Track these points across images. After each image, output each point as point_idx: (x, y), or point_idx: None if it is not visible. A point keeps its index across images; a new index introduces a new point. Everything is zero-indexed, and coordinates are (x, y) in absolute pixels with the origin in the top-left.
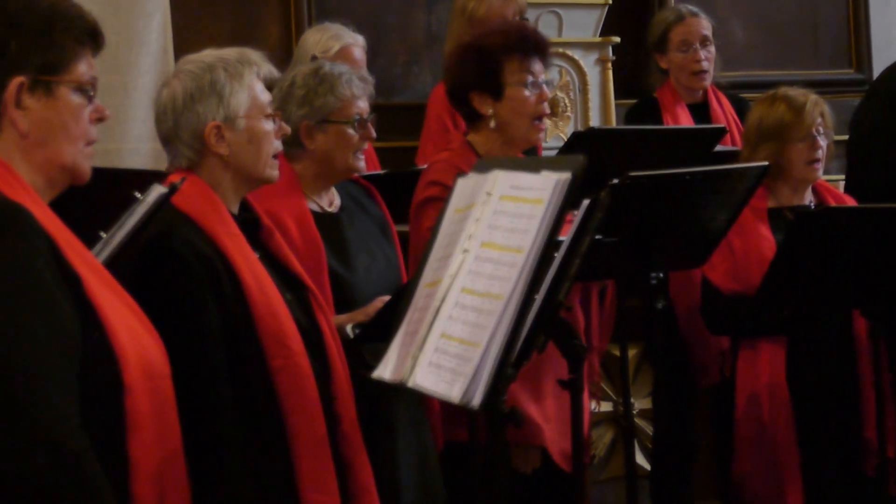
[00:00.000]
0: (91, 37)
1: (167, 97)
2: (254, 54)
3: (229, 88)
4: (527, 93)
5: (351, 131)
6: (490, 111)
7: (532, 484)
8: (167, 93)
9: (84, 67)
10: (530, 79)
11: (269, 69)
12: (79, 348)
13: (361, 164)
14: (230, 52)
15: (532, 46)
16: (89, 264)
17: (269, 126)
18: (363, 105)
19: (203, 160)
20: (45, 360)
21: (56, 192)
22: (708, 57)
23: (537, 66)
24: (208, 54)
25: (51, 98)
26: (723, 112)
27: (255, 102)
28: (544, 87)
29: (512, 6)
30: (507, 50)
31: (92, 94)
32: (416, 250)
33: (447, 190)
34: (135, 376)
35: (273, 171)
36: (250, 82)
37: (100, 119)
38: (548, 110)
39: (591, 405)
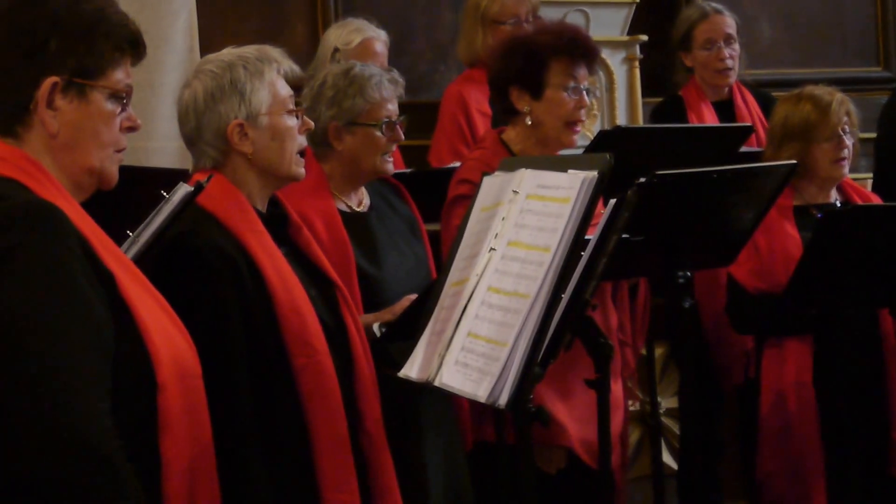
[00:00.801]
0: (132, 45)
1: (188, 98)
2: (273, 51)
3: (250, 86)
4: (566, 97)
5: (378, 134)
6: (526, 108)
7: (560, 484)
8: (188, 93)
9: (120, 75)
10: (572, 83)
11: (289, 65)
12: (111, 348)
13: (389, 166)
14: (250, 50)
15: (581, 52)
16: (122, 263)
17: (292, 122)
18: (392, 108)
19: (227, 159)
20: (78, 360)
21: (83, 196)
22: (732, 55)
23: (582, 71)
24: (228, 53)
25: (83, 101)
26: (748, 110)
27: (276, 99)
28: (585, 94)
29: (525, 5)
30: (556, 51)
31: (126, 101)
32: (448, 248)
33: (476, 188)
34: (168, 375)
35: (299, 168)
36: (271, 79)
37: (131, 128)
38: (584, 118)
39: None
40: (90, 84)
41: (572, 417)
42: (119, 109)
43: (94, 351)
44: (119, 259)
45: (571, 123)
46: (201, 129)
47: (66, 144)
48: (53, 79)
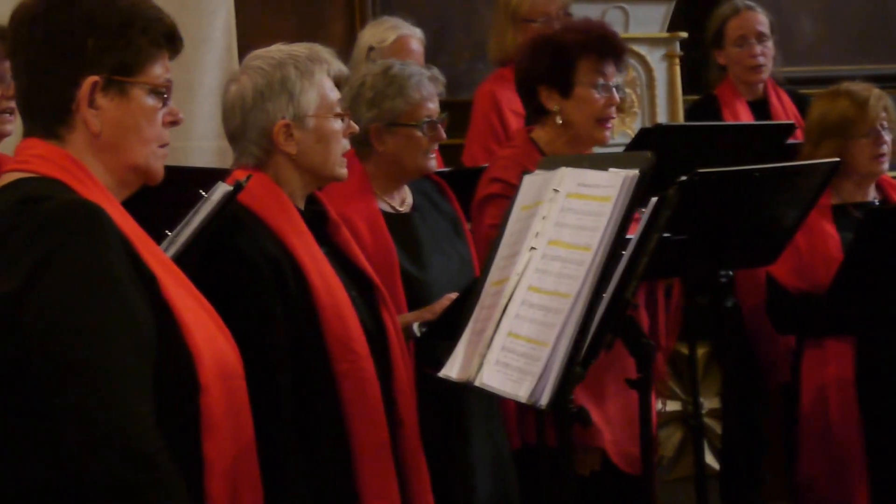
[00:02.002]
0: (168, 39)
1: (235, 94)
2: (324, 51)
3: (300, 86)
4: (596, 94)
5: (420, 134)
6: (556, 107)
7: (592, 486)
8: (235, 89)
9: (159, 70)
10: (601, 81)
11: (339, 67)
12: (154, 348)
13: (432, 164)
14: (301, 49)
15: (609, 49)
16: (164, 264)
17: (337, 125)
18: (433, 107)
19: (270, 158)
20: (121, 360)
21: (128, 192)
22: (764, 52)
23: (611, 68)
24: (278, 50)
25: (124, 99)
26: (783, 108)
27: (324, 101)
28: (615, 90)
29: (555, 3)
30: (584, 49)
31: (166, 96)
32: (478, 247)
33: (509, 187)
34: (210, 376)
35: (342, 170)
36: (320, 80)
37: (174, 122)
38: (615, 114)
39: (658, 405)
40: (130, 81)
41: (604, 420)
42: (160, 105)
43: (137, 352)
44: (160, 260)
45: (602, 121)
46: (247, 126)
47: (110, 143)
48: (93, 78)
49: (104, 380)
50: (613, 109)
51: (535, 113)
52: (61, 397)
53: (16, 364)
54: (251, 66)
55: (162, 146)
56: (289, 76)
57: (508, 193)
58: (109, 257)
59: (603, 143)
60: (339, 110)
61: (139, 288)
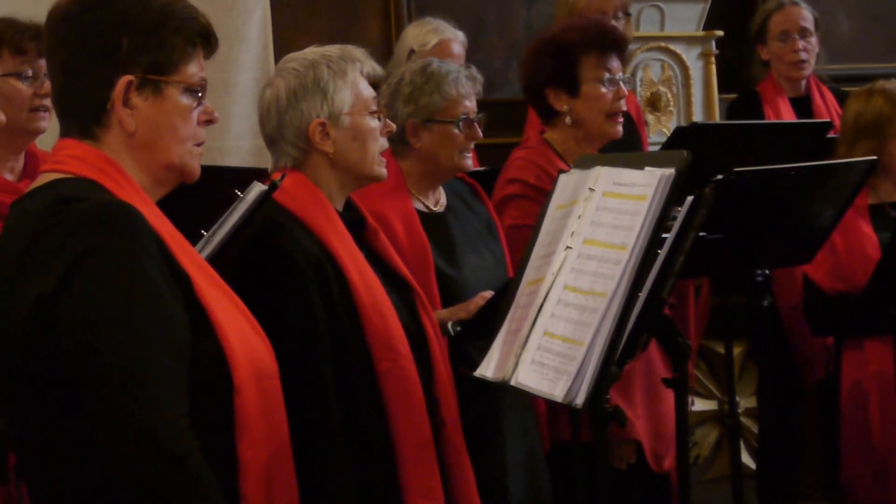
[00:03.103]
0: (203, 38)
1: (270, 96)
2: (357, 51)
3: (333, 85)
4: (604, 90)
5: (456, 131)
6: (565, 107)
7: (624, 483)
8: (270, 92)
9: (194, 69)
10: (607, 75)
11: (372, 66)
12: (188, 349)
13: (468, 162)
14: (333, 50)
15: (610, 43)
16: (198, 264)
17: (374, 123)
18: (470, 104)
19: (308, 159)
20: (155, 361)
21: (165, 190)
22: (807, 48)
23: (615, 62)
24: (311, 52)
25: (159, 98)
26: (825, 106)
27: (359, 99)
28: (622, 84)
29: (613, 1)
30: (585, 46)
31: (201, 95)
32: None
33: (526, 187)
34: (244, 377)
35: (381, 169)
36: (354, 79)
37: (209, 121)
38: (624, 107)
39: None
40: (164, 80)
41: (633, 416)
42: (195, 103)
43: (172, 353)
44: (195, 260)
45: (613, 115)
46: (283, 127)
47: (145, 142)
48: (128, 77)
49: (139, 381)
50: (622, 102)
51: (545, 115)
52: (96, 398)
53: (51, 364)
54: (285, 68)
55: (198, 144)
56: (322, 76)
57: (527, 193)
58: (143, 258)
59: (615, 138)
60: (374, 108)
61: (173, 288)
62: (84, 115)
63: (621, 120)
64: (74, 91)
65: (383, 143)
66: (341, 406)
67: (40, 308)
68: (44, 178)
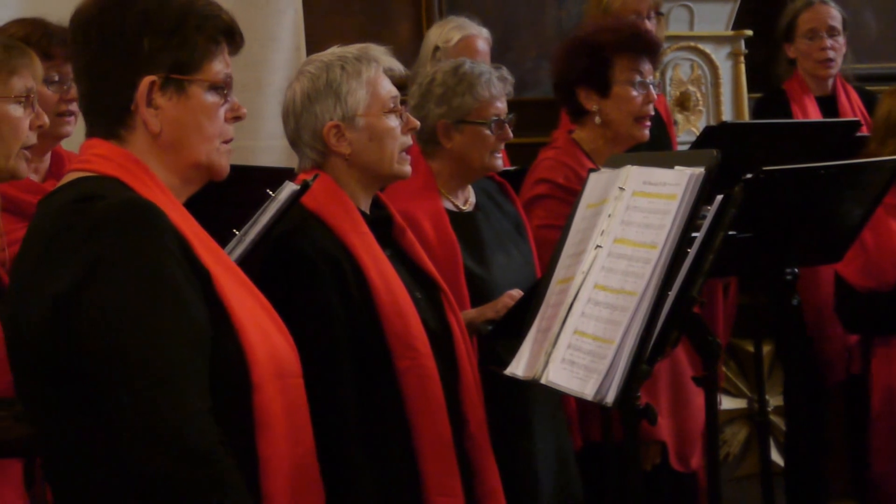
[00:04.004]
0: (227, 35)
1: (289, 99)
2: (376, 49)
3: (346, 87)
4: (634, 92)
5: (487, 132)
6: (595, 107)
7: (651, 482)
8: (289, 95)
9: (219, 66)
10: (638, 78)
11: (391, 63)
12: (208, 345)
13: (498, 162)
14: (351, 50)
15: (644, 46)
16: (220, 261)
17: (393, 122)
18: (501, 106)
19: (327, 160)
20: (176, 357)
21: (193, 189)
22: (835, 46)
23: (647, 66)
24: (329, 53)
25: (182, 97)
26: (850, 105)
27: (375, 99)
28: (651, 87)
29: (647, 1)
30: (619, 48)
31: (227, 92)
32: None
33: (555, 187)
34: (264, 375)
35: (403, 167)
36: (370, 78)
37: (237, 118)
38: (652, 112)
39: None
40: (187, 78)
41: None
42: (221, 101)
43: (192, 349)
44: (218, 257)
45: (641, 119)
46: (300, 130)
47: (171, 142)
48: (150, 78)
49: (161, 378)
50: (651, 107)
51: (574, 114)
52: (117, 396)
53: (73, 361)
54: (303, 71)
55: (226, 142)
56: (335, 78)
57: (555, 193)
58: (163, 255)
59: (642, 141)
60: (392, 106)
61: (193, 285)
62: (109, 116)
63: (649, 124)
64: (98, 93)
65: (405, 140)
66: (361, 405)
67: (60, 306)
68: (69, 177)
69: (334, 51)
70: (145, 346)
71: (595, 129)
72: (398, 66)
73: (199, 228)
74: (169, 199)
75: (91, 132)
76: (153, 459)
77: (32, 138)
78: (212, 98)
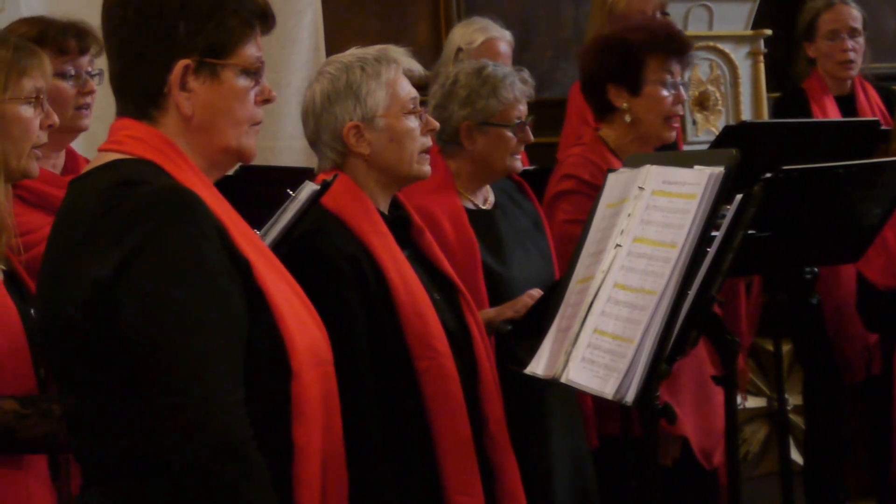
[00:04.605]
0: (260, 18)
1: (308, 100)
2: (395, 51)
3: (366, 88)
4: (665, 92)
5: (510, 134)
6: (625, 105)
7: (671, 478)
8: (308, 95)
9: (251, 49)
10: (669, 79)
11: (410, 64)
12: (245, 335)
13: (518, 164)
14: (371, 51)
15: (676, 47)
16: (258, 248)
17: (412, 123)
18: (523, 108)
19: (347, 161)
20: (212, 348)
21: (222, 172)
22: (855, 47)
23: (677, 67)
24: (349, 54)
25: (215, 81)
26: (869, 104)
27: (395, 100)
28: (681, 88)
29: (652, 2)
30: (652, 47)
31: (259, 76)
32: (552, 244)
33: (581, 183)
34: (302, 362)
35: (422, 167)
36: (389, 79)
37: (266, 100)
38: (682, 112)
39: (738, 401)
40: (221, 63)
41: (681, 413)
42: (252, 84)
43: (229, 339)
44: (255, 244)
45: (670, 119)
46: (319, 131)
47: (202, 125)
48: (185, 61)
49: (195, 368)
50: (680, 107)
51: (602, 111)
52: (152, 384)
53: (111, 345)
54: (322, 72)
55: (254, 125)
56: (354, 79)
57: (581, 189)
58: (203, 244)
59: (669, 142)
60: (412, 107)
61: (232, 274)
62: (141, 97)
63: (677, 125)
64: (131, 74)
65: (425, 141)
66: (380, 404)
67: (99, 291)
68: (103, 158)
69: (354, 52)
70: (182, 336)
71: (622, 127)
72: (417, 68)
73: (236, 214)
74: (204, 183)
75: (122, 111)
76: (184, 448)
77: (43, 138)
78: (244, 82)
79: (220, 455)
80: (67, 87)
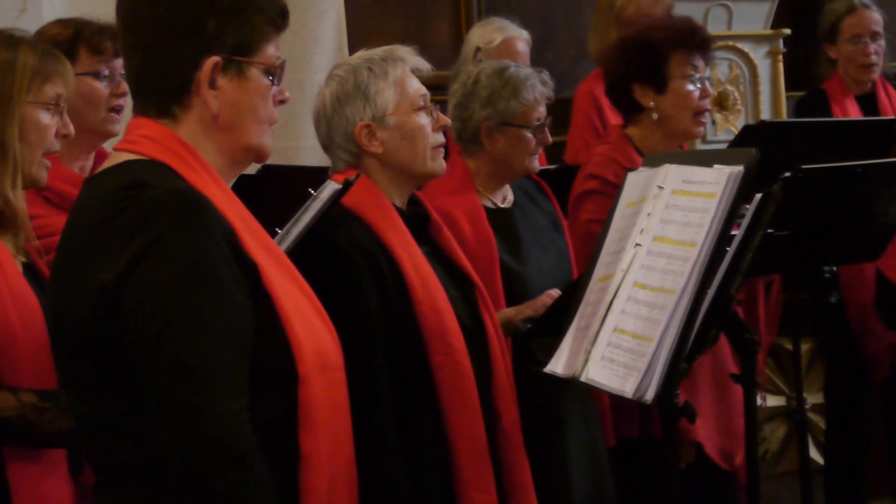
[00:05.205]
0: (282, 17)
1: (319, 104)
2: (402, 50)
3: (374, 87)
4: (690, 87)
5: (529, 135)
6: (651, 103)
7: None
8: (319, 100)
9: (272, 49)
10: (694, 73)
11: (416, 62)
12: (250, 340)
13: (536, 165)
14: (377, 52)
15: (698, 42)
16: (270, 251)
17: (423, 120)
18: (542, 110)
19: (360, 161)
20: (215, 354)
21: (239, 170)
22: (877, 50)
23: (700, 61)
24: (356, 56)
25: (242, 79)
26: (890, 103)
27: (404, 98)
28: (706, 83)
29: (661, 5)
30: (674, 44)
31: (280, 76)
32: (576, 242)
33: (605, 183)
34: (309, 368)
35: (436, 164)
36: (396, 78)
37: (282, 101)
38: (709, 106)
39: (758, 399)
40: (247, 61)
41: (699, 415)
42: (272, 84)
43: (233, 345)
44: (267, 247)
45: (698, 113)
46: (332, 133)
47: (227, 123)
48: (215, 59)
49: (198, 375)
50: (708, 102)
51: (628, 111)
52: (155, 389)
53: (115, 350)
54: (331, 75)
55: (271, 124)
56: (362, 79)
57: (605, 189)
58: (210, 249)
59: (698, 136)
60: (423, 105)
61: (239, 279)
62: (165, 94)
63: (705, 120)
64: (156, 70)
65: (437, 137)
66: (395, 399)
67: (104, 296)
68: (116, 158)
69: (361, 54)
70: (184, 342)
71: (649, 125)
72: (425, 65)
73: (248, 215)
74: (218, 183)
75: (141, 110)
76: (184, 456)
77: (56, 146)
78: (266, 81)
79: (221, 463)
80: (101, 87)
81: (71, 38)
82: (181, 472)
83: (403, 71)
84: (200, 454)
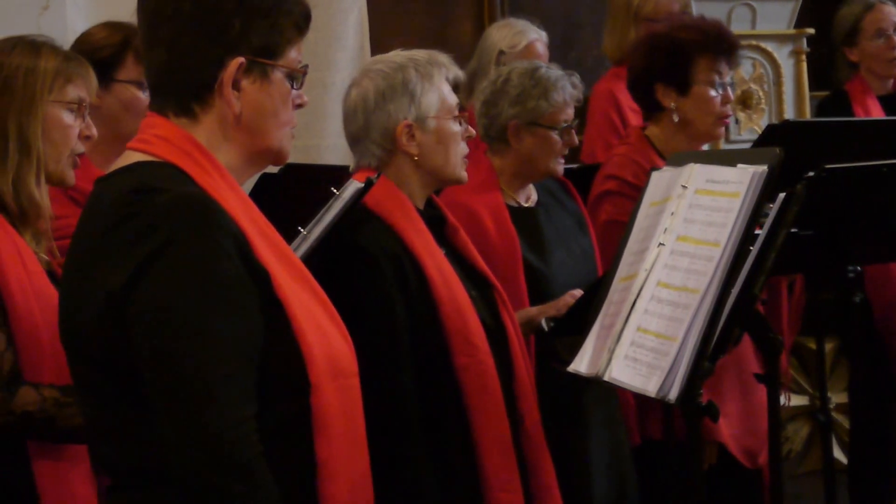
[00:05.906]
0: (306, 21)
1: (357, 97)
2: (442, 57)
3: (420, 88)
4: (713, 93)
5: (556, 137)
6: (672, 105)
7: (709, 480)
8: (357, 92)
9: (295, 53)
10: (718, 79)
11: (456, 72)
12: (259, 348)
13: (560, 168)
14: (420, 54)
15: (726, 47)
16: (282, 256)
17: (457, 128)
18: (571, 112)
19: (392, 159)
20: (222, 363)
21: (255, 171)
22: None
23: (725, 67)
24: (397, 55)
25: (265, 82)
26: None
27: (444, 104)
28: (729, 88)
29: (678, 2)
30: (702, 47)
31: (301, 81)
32: (596, 243)
33: (624, 184)
34: (321, 375)
35: (462, 173)
36: (440, 83)
37: (299, 105)
38: (730, 112)
39: (782, 399)
40: (271, 64)
41: (722, 413)
42: (292, 88)
43: (240, 353)
44: (279, 252)
45: (721, 118)
46: (369, 127)
47: (248, 125)
48: (240, 59)
49: (203, 384)
50: (729, 108)
51: (650, 110)
52: (161, 397)
53: (122, 357)
54: (373, 69)
55: (291, 128)
56: (410, 78)
57: (624, 190)
58: (218, 257)
59: (719, 138)
60: (457, 113)
61: (248, 287)
62: (186, 92)
63: (728, 122)
64: (179, 68)
65: (464, 147)
66: (420, 400)
67: (111, 303)
68: (128, 158)
69: (401, 53)
70: (191, 350)
71: (669, 126)
72: (462, 75)
73: (261, 218)
74: (232, 187)
75: (158, 107)
76: (191, 464)
77: (80, 147)
78: (287, 85)
79: (226, 472)
80: (143, 97)
81: (120, 44)
82: (185, 479)
83: (443, 78)
84: (205, 462)
